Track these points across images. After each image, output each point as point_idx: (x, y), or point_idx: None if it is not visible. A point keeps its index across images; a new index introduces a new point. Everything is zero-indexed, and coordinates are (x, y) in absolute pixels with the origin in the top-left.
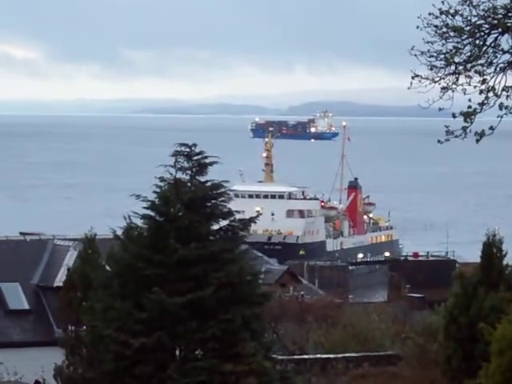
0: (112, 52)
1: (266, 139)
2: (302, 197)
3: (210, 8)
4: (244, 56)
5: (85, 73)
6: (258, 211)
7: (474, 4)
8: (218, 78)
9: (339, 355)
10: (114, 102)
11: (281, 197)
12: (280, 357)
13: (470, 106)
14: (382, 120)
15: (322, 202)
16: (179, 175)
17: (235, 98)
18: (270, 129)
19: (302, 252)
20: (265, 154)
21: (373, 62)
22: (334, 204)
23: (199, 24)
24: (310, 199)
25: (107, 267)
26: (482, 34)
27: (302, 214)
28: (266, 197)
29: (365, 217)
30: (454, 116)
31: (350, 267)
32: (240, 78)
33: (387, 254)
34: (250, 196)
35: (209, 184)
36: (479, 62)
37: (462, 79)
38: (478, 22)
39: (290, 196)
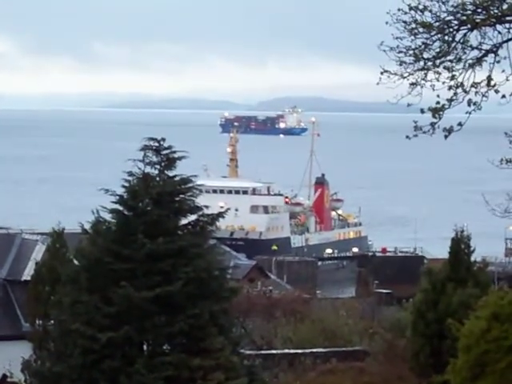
0: (85, 46)
1: (231, 134)
2: (266, 192)
3: (186, 2)
4: (218, 51)
5: (57, 67)
6: (222, 207)
7: (443, 0)
8: (191, 72)
9: (307, 350)
10: (86, 96)
11: (245, 192)
12: (248, 352)
13: (438, 102)
14: (352, 116)
15: (287, 198)
16: (148, 170)
17: (208, 93)
18: (236, 124)
19: (274, 247)
20: (229, 149)
21: (345, 58)
22: (301, 200)
23: (174, 18)
24: (275, 195)
25: (75, 261)
26: (451, 30)
27: (266, 209)
28: (229, 192)
29: (333, 213)
30: (422, 112)
31: (319, 263)
32: (214, 72)
33: (356, 249)
34: (214, 191)
35: (177, 179)
36: (448, 58)
37: (430, 75)
38: (447, 18)
39: (254, 192)
